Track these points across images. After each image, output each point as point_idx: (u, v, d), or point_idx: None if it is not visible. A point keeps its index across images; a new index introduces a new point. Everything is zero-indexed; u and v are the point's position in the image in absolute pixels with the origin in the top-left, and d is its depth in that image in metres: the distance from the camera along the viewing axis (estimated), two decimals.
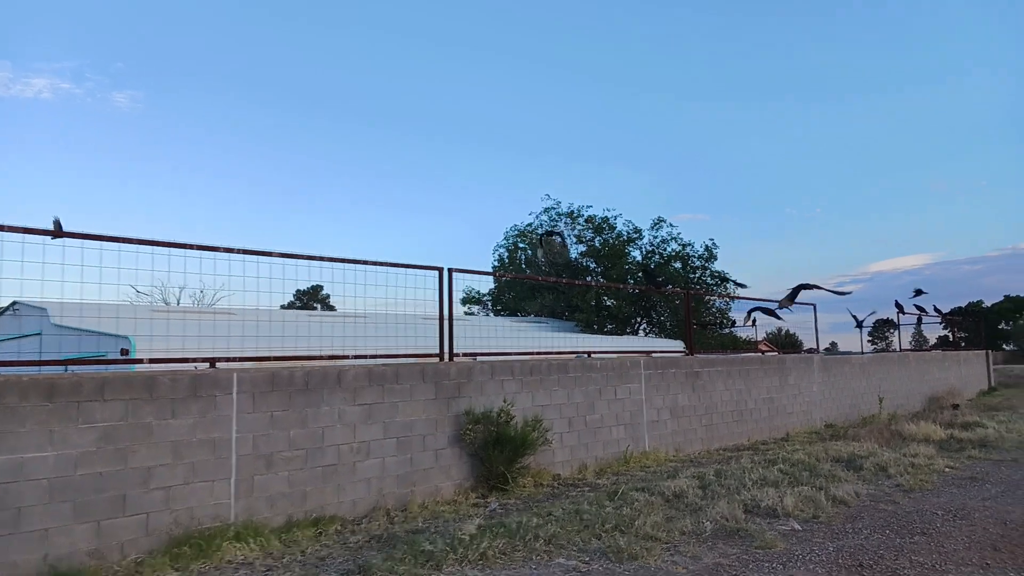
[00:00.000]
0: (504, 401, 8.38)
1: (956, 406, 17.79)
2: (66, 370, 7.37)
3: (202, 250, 6.31)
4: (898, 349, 24.93)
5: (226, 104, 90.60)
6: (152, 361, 6.48)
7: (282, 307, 25.77)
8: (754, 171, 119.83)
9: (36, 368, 8.13)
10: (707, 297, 26.62)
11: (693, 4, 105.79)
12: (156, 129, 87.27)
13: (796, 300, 13.64)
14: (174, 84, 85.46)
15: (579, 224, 28.95)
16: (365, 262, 7.54)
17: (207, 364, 6.43)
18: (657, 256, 28.25)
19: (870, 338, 72.01)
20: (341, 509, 6.82)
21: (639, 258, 28.43)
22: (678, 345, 18.14)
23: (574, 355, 10.44)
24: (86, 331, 10.80)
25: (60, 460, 5.25)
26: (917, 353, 21.33)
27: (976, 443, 10.96)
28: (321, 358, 7.36)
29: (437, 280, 8.37)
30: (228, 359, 6.61)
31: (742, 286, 25.15)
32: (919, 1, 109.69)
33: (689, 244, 28.21)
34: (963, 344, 33.35)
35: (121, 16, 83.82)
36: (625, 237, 28.48)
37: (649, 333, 28.27)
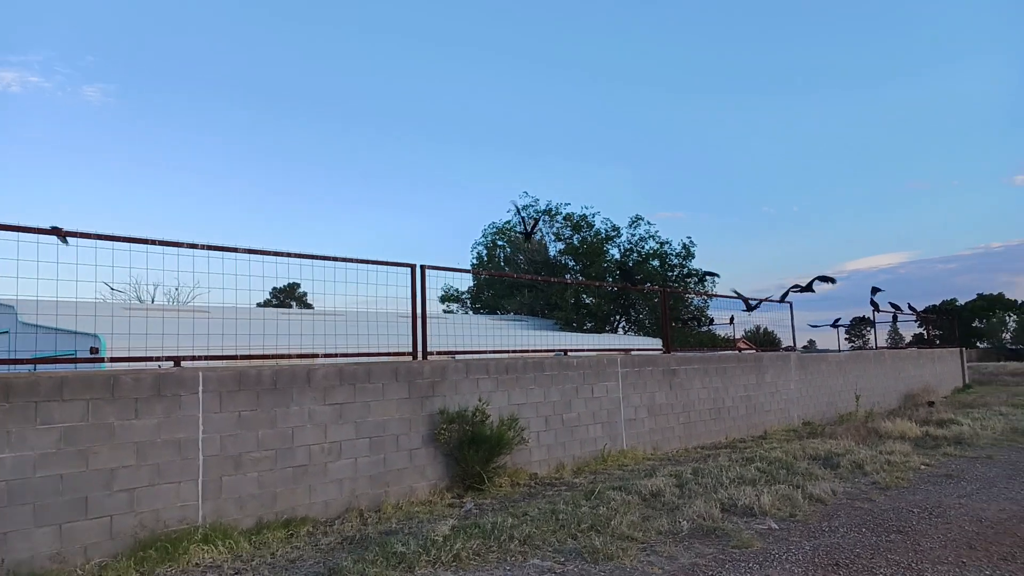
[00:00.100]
0: (479, 400, 8.28)
1: (931, 403, 17.97)
2: (34, 369, 7.17)
3: (164, 245, 6.12)
4: (874, 347, 25.15)
5: (202, 100, 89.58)
6: (114, 360, 6.29)
7: (258, 305, 25.43)
8: (731, 169, 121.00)
9: (2, 367, 7.88)
10: (685, 295, 26.70)
11: (669, 1, 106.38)
12: (129, 124, 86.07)
13: (813, 289, 16.43)
14: (148, 78, 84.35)
15: (557, 222, 28.95)
16: (336, 259, 7.39)
17: (171, 363, 6.26)
18: (635, 254, 28.33)
19: (847, 336, 72.86)
20: (313, 510, 6.68)
21: (617, 256, 28.51)
22: (656, 343, 18.17)
23: (551, 353, 10.36)
24: (56, 329, 10.53)
25: (18, 462, 5.10)
26: (893, 351, 21.52)
27: (951, 440, 11.04)
28: (290, 356, 7.21)
29: (410, 277, 8.27)
30: (194, 357, 6.44)
31: (713, 275, 25.31)
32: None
33: (667, 242, 28.34)
34: (938, 342, 33.72)
35: (92, 9, 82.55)
36: (603, 235, 28.54)
37: (628, 331, 28.34)
